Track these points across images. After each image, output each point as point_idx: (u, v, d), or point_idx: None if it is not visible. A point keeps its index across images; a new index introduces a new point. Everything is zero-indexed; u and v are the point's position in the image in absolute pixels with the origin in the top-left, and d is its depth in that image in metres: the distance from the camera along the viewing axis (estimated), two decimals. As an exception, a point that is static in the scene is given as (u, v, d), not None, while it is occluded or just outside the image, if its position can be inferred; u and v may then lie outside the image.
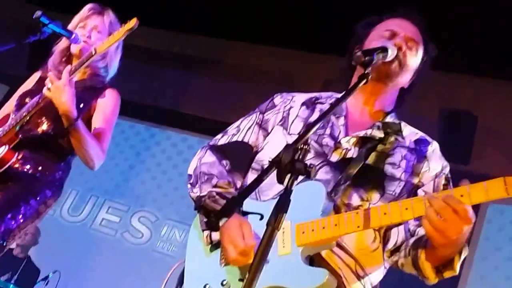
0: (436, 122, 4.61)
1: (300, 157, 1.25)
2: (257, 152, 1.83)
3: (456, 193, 1.37)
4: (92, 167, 2.45)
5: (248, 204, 1.67)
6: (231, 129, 1.91)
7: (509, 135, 4.45)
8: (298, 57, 5.29)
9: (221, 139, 1.90)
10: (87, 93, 2.52)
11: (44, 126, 2.46)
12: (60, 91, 2.26)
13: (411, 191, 1.69)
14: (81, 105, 2.45)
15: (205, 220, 1.70)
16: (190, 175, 1.83)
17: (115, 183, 6.07)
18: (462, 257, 1.51)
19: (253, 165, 1.81)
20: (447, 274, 1.53)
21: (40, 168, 2.43)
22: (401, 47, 1.72)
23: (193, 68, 5.94)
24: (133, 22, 2.25)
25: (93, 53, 2.33)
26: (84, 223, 5.99)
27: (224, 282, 1.58)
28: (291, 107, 1.85)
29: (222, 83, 5.54)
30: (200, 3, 5.25)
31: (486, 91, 4.67)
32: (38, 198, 2.39)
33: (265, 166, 1.55)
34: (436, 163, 1.73)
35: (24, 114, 2.39)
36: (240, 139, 1.86)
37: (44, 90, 2.33)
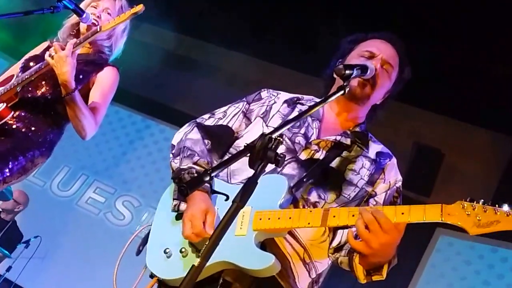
0: (407, 153, 4.68)
1: (273, 146, 1.27)
2: (237, 138, 1.85)
3: (399, 210, 1.42)
4: (84, 137, 2.43)
5: (217, 184, 1.71)
6: (218, 112, 1.92)
7: (469, 176, 4.52)
8: (293, 76, 5.36)
9: (208, 120, 1.90)
10: (89, 66, 2.51)
11: (43, 90, 2.45)
12: (63, 61, 2.26)
13: (364, 197, 1.72)
14: (81, 76, 2.45)
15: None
16: (173, 145, 1.83)
17: (106, 166, 6.03)
18: (391, 266, 1.56)
19: (231, 150, 1.83)
20: (376, 278, 1.57)
21: (33, 128, 2.41)
22: (376, 68, 1.76)
23: (194, 70, 5.98)
24: (139, 7, 2.24)
25: (98, 30, 2.32)
26: (71, 199, 5.94)
27: (183, 250, 1.60)
28: (274, 102, 1.88)
29: (218, 88, 5.59)
30: (210, 14, 5.35)
31: (456, 133, 4.75)
32: (26, 156, 2.37)
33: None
34: (391, 176, 1.77)
35: (26, 77, 2.38)
36: (225, 124, 1.87)
37: (47, 57, 2.32)
